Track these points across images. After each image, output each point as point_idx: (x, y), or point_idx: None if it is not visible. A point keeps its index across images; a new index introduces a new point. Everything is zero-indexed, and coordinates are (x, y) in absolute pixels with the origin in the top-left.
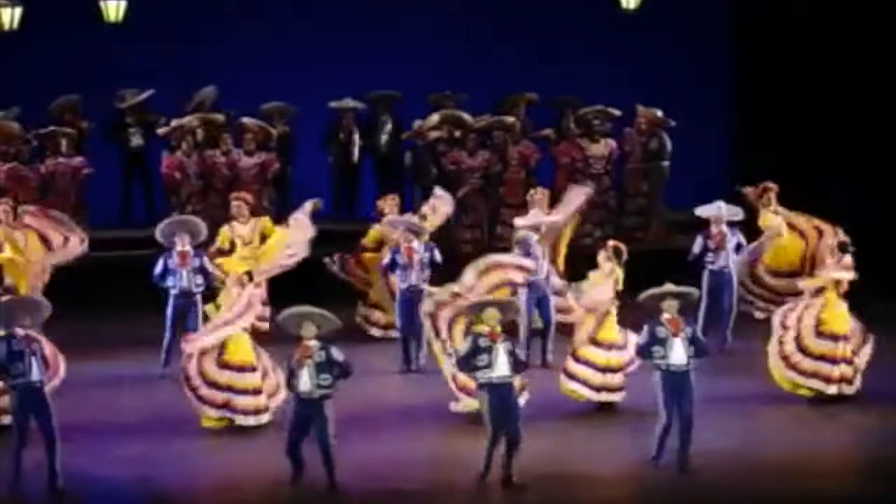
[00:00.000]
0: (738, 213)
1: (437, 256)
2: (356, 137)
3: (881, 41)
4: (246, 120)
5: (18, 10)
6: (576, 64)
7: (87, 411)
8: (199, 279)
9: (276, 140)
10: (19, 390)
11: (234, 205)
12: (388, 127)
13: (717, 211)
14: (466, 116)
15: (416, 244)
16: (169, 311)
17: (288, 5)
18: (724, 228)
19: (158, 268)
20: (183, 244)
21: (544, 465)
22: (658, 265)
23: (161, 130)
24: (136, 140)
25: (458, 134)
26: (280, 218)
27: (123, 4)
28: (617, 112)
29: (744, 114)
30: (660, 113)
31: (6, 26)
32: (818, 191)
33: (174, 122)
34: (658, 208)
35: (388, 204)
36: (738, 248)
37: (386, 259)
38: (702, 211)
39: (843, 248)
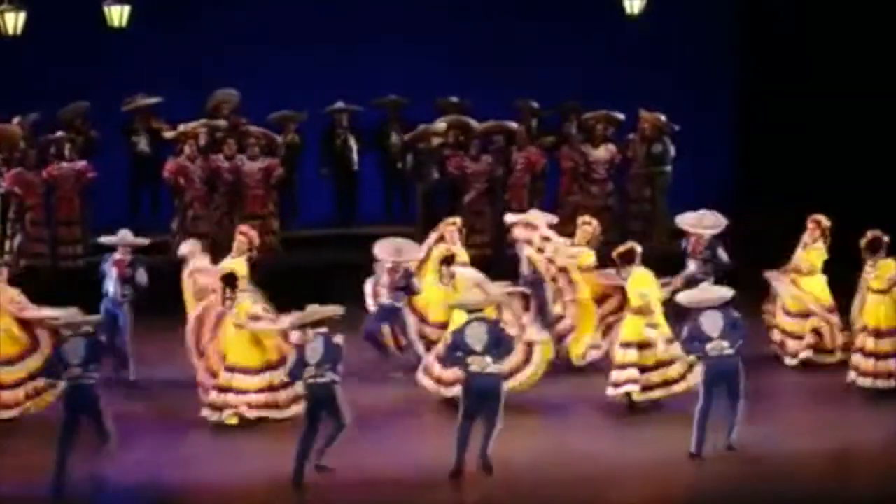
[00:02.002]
0: (720, 224)
1: (416, 285)
2: (353, 142)
3: (884, 46)
4: (250, 127)
5: (22, 15)
6: (580, 69)
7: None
8: (128, 289)
9: (284, 148)
10: None
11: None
12: (396, 133)
13: (699, 219)
14: (471, 121)
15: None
16: (102, 313)
17: (294, 11)
18: (704, 237)
19: (100, 271)
20: (123, 253)
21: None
22: (661, 270)
23: (167, 134)
24: (142, 145)
25: (462, 138)
26: (283, 224)
27: (127, 9)
28: (620, 116)
29: (747, 119)
30: (663, 117)
31: (10, 31)
32: (821, 195)
33: (181, 127)
34: (661, 213)
35: (448, 229)
36: (714, 257)
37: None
38: (682, 219)
39: (875, 245)
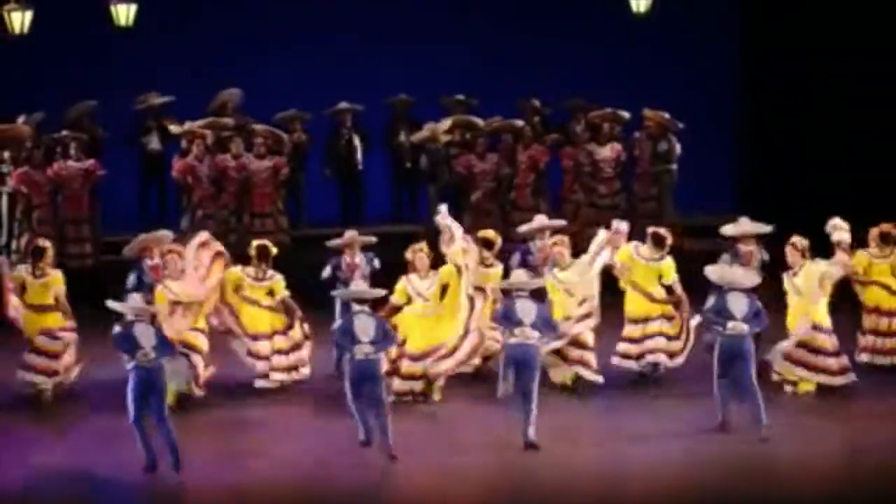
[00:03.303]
0: (764, 228)
1: (376, 263)
2: (357, 142)
3: (887, 47)
4: (257, 126)
5: (29, 14)
6: (587, 68)
7: (97, 413)
8: None
9: (291, 147)
10: None
11: (168, 259)
12: (405, 132)
13: (743, 228)
14: (477, 120)
15: (358, 258)
16: None
17: (300, 11)
18: (753, 246)
19: (132, 282)
20: (153, 258)
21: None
22: None
23: (174, 128)
24: (154, 144)
25: (467, 137)
26: (292, 224)
27: (134, 8)
28: (626, 114)
29: (751, 117)
30: (667, 115)
31: (16, 30)
32: (824, 194)
33: (186, 125)
34: (668, 212)
35: (416, 255)
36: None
37: (326, 271)
38: (728, 229)
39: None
